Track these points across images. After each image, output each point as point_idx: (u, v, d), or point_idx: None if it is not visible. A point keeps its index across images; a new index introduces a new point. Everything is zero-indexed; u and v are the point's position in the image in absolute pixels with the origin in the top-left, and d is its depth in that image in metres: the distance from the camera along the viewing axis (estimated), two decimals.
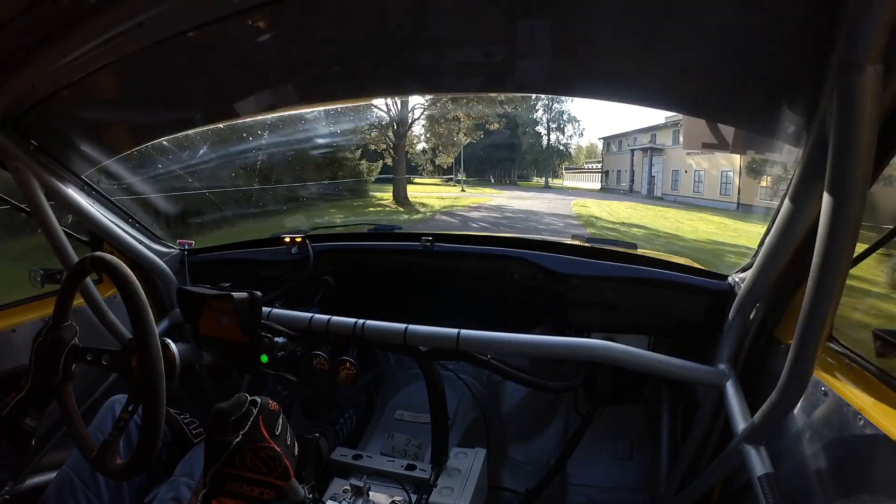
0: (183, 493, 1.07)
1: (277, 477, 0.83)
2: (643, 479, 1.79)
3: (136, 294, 0.94)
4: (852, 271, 0.78)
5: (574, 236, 1.84)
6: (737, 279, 1.35)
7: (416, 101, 15.31)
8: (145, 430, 0.92)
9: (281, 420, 0.87)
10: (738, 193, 14.85)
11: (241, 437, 0.81)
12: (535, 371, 1.52)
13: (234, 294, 1.28)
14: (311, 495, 1.02)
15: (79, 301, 1.57)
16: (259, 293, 1.30)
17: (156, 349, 0.93)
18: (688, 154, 16.35)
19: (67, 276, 1.09)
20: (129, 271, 0.96)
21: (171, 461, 1.21)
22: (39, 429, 1.05)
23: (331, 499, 1.21)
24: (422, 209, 15.19)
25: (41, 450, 1.51)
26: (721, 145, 1.18)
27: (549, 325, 1.61)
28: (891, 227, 0.92)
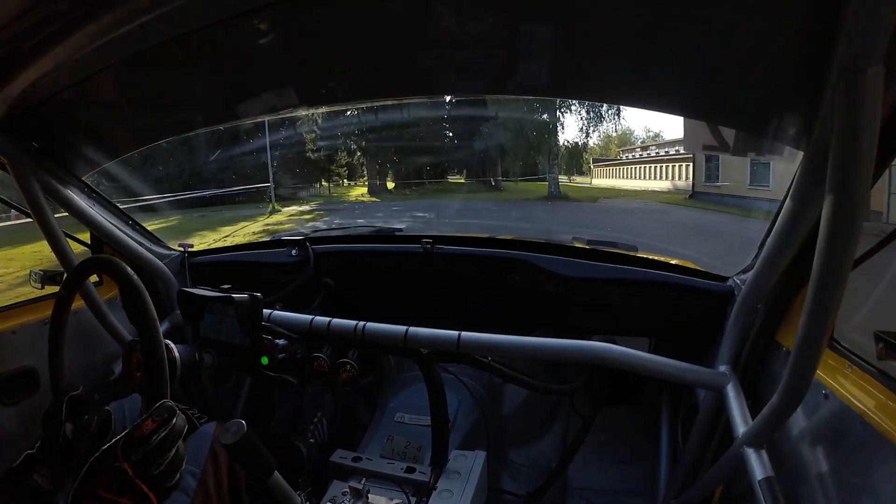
0: (189, 482, 1.05)
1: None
2: (643, 483, 1.79)
3: (141, 294, 0.95)
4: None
5: (575, 238, 1.84)
6: (737, 281, 1.35)
7: None
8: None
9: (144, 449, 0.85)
10: None
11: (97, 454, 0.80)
12: (535, 373, 1.52)
13: (235, 296, 1.28)
14: (307, 502, 1.02)
15: (79, 303, 1.57)
16: (260, 295, 1.30)
17: (160, 350, 0.93)
18: None
19: (61, 288, 1.10)
20: (131, 272, 0.96)
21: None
22: (46, 486, 1.04)
23: (329, 501, 1.21)
24: None
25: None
26: (721, 147, 1.18)
27: (550, 327, 1.61)
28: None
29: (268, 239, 1.95)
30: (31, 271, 1.64)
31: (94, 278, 1.72)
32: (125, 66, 1.03)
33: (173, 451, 0.85)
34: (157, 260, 1.77)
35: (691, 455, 1.40)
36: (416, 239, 1.69)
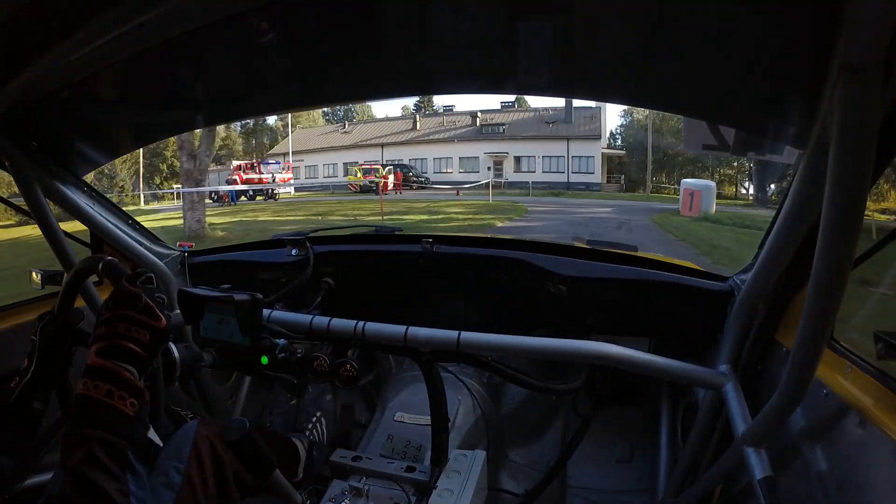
0: (174, 477, 1.03)
1: (152, 317, 0.88)
2: (643, 482, 1.79)
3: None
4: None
5: (575, 238, 1.84)
6: (737, 281, 1.35)
7: None
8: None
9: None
10: None
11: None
12: (535, 373, 1.52)
13: (235, 296, 1.28)
14: (307, 501, 1.02)
15: (79, 303, 1.57)
16: (260, 295, 1.30)
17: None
18: None
19: (74, 272, 1.11)
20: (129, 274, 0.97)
21: None
22: (46, 411, 1.07)
23: (330, 500, 1.21)
24: None
25: (41, 449, 1.50)
26: (722, 146, 1.18)
27: (550, 327, 1.61)
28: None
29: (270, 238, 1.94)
30: (31, 270, 1.64)
31: (93, 278, 1.72)
32: (125, 66, 1.03)
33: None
34: (156, 259, 1.76)
35: (691, 454, 1.40)
36: (416, 239, 1.69)
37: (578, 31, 0.94)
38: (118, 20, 0.80)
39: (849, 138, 0.64)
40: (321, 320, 1.40)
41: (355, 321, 1.37)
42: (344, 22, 0.96)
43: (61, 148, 1.42)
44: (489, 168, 23.79)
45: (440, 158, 24.42)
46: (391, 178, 20.97)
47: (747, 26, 0.77)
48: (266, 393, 2.06)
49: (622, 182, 24.24)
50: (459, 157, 24.43)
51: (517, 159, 23.91)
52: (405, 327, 1.32)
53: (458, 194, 18.83)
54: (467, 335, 1.28)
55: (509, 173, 23.79)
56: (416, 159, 23.77)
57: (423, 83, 1.31)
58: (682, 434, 1.65)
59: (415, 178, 22.47)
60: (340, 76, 1.21)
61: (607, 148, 24.67)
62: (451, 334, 1.29)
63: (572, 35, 0.95)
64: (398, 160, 23.19)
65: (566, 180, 22.65)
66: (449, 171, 24.12)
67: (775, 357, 1.20)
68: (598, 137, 23.25)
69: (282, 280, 1.74)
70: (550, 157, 23.42)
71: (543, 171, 23.29)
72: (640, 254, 1.61)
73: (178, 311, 1.43)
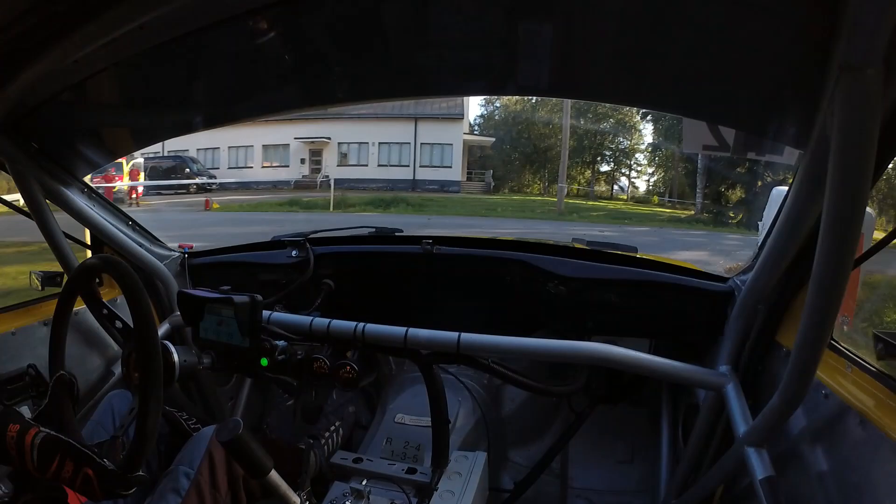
0: (182, 483, 1.06)
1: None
2: (644, 483, 1.79)
3: (141, 297, 0.94)
4: None
5: (575, 239, 1.84)
6: (738, 281, 1.35)
7: None
8: (140, 426, 0.91)
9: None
10: None
11: None
12: (536, 374, 1.52)
13: (235, 297, 1.28)
14: (307, 502, 1.02)
15: (79, 304, 1.57)
16: (259, 297, 1.29)
17: (156, 349, 0.93)
18: None
19: (66, 284, 1.11)
20: (134, 274, 0.96)
21: (170, 452, 1.21)
22: None
23: (331, 502, 1.21)
24: None
25: None
26: (722, 147, 1.18)
27: (550, 328, 1.60)
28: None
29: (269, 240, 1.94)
30: (31, 272, 1.64)
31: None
32: (124, 67, 1.03)
33: None
34: (156, 261, 1.76)
35: (692, 455, 1.40)
36: (416, 240, 1.69)
37: (578, 32, 0.94)
38: (117, 22, 0.80)
39: (849, 138, 0.64)
40: (321, 322, 1.40)
41: (355, 323, 1.37)
42: (344, 22, 0.96)
43: (61, 149, 1.42)
44: (303, 160, 17.46)
45: (237, 147, 17.85)
46: (123, 178, 14.46)
47: (748, 27, 0.77)
48: (267, 395, 2.05)
49: (488, 180, 18.54)
50: (263, 146, 17.86)
51: (343, 150, 17.00)
52: (405, 329, 1.32)
53: (207, 207, 13.75)
54: (467, 336, 1.28)
55: (332, 167, 17.05)
56: (204, 150, 17.04)
57: (423, 84, 1.31)
58: (683, 435, 1.64)
59: (172, 176, 15.79)
60: (340, 76, 1.21)
61: (471, 134, 18.26)
62: (452, 336, 1.28)
63: (572, 36, 0.95)
64: (180, 151, 16.77)
65: (412, 177, 16.68)
66: (250, 165, 17.97)
67: (776, 357, 1.20)
68: (459, 118, 16.98)
69: (282, 281, 1.74)
70: (391, 143, 16.99)
71: (380, 165, 17.07)
72: (640, 254, 1.61)
73: (178, 313, 1.43)
